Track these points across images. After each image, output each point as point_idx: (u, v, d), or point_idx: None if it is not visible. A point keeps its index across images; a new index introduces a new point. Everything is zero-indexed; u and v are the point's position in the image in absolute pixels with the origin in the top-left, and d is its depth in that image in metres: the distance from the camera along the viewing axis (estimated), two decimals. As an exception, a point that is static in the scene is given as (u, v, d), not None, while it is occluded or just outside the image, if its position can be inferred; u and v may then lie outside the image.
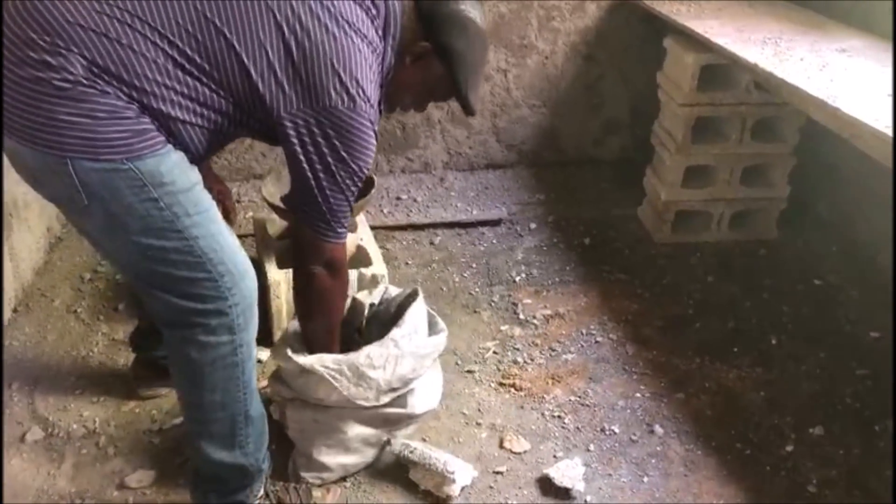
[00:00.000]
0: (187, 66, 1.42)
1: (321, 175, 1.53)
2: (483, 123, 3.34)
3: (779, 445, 2.01)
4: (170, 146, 1.45)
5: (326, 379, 1.71)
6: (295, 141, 1.51)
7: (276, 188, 2.36)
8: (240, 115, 1.52)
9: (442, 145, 3.37)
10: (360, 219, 2.59)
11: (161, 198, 1.43)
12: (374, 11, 1.58)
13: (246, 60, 1.45)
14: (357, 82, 1.51)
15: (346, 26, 1.51)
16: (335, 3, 1.50)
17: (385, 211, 3.08)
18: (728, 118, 2.72)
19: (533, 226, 3.02)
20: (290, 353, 1.74)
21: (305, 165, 1.52)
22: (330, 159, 1.52)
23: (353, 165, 1.55)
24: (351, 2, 1.53)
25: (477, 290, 2.63)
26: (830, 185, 2.98)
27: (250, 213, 2.96)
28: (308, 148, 1.51)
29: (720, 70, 2.63)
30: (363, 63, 1.52)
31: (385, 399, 1.77)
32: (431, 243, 2.91)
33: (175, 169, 1.45)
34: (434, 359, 1.88)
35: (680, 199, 2.84)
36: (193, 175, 1.51)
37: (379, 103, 1.63)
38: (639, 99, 3.27)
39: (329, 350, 1.76)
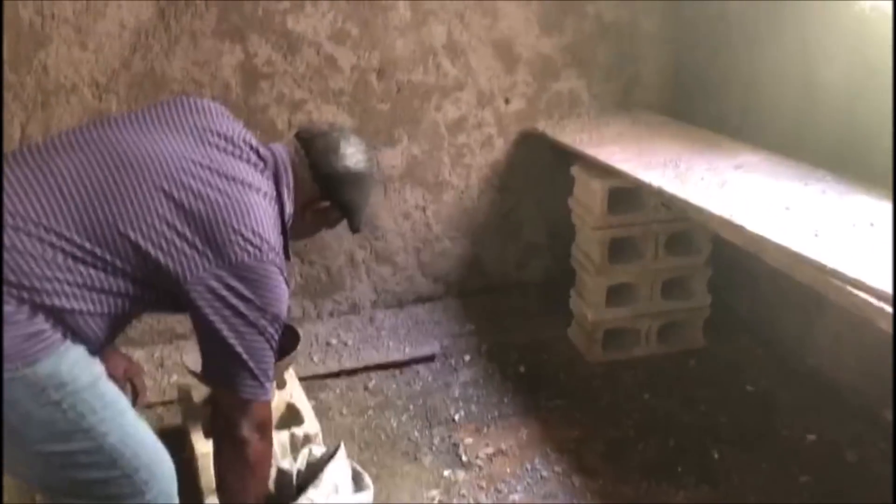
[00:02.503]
0: (78, 253, 1.38)
1: (241, 329, 1.49)
2: (407, 259, 3.37)
3: (736, 568, 1.98)
4: (68, 342, 1.39)
5: None
6: (204, 303, 1.47)
7: (197, 355, 2.29)
8: (142, 292, 1.48)
9: (368, 284, 3.36)
10: (290, 373, 2.53)
11: (63, 399, 1.35)
12: (261, 165, 1.62)
13: (141, 240, 1.43)
14: (258, 234, 1.51)
15: (237, 182, 1.53)
16: (220, 164, 1.53)
17: (315, 359, 3.02)
18: (641, 236, 2.81)
19: (467, 358, 3.00)
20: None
21: (222, 325, 1.48)
22: (245, 311, 1.49)
23: (270, 313, 1.52)
24: (234, 159, 1.56)
25: (416, 434, 2.57)
26: (748, 290, 3.08)
27: (174, 377, 2.86)
28: (218, 305, 1.47)
29: (628, 191, 2.73)
30: (261, 213, 1.54)
31: None
32: (366, 388, 2.85)
33: (76, 367, 1.38)
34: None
35: (606, 319, 2.88)
36: (96, 368, 1.45)
37: (285, 249, 1.63)
38: (555, 222, 3.36)
39: None
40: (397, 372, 2.95)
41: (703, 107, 3.20)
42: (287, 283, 1.59)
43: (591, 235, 2.83)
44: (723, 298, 3.02)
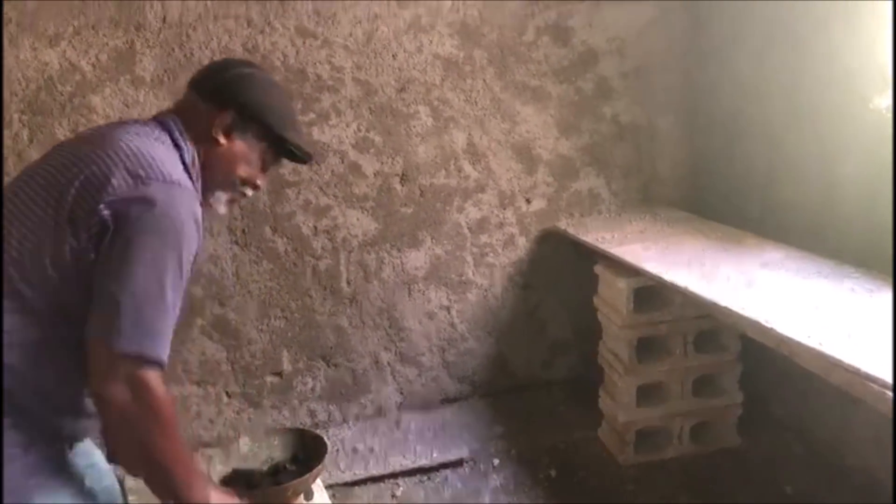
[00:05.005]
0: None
1: (136, 269, 1.36)
2: (432, 359, 3.35)
3: None
4: (59, 480, 1.40)
5: None
6: (109, 245, 1.38)
7: (224, 466, 2.27)
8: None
9: (394, 386, 3.34)
10: (318, 484, 2.49)
11: None
12: (152, 123, 1.58)
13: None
14: (146, 164, 1.44)
15: (117, 133, 1.50)
16: (105, 134, 1.51)
17: (342, 466, 2.97)
18: (669, 334, 2.79)
19: (496, 462, 2.94)
20: None
21: (118, 264, 1.37)
22: (150, 247, 1.38)
23: (175, 247, 1.41)
24: (117, 129, 1.53)
25: (447, 545, 2.50)
26: (781, 386, 3.02)
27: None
28: (122, 245, 1.37)
29: (653, 288, 2.72)
30: (148, 149, 1.47)
31: None
32: (394, 496, 2.80)
33: None
34: None
35: (637, 419, 2.83)
36: None
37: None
38: (580, 319, 3.35)
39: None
40: (425, 478, 2.90)
41: (723, 202, 3.23)
42: (198, 223, 1.47)
43: (618, 334, 2.81)
44: (755, 395, 2.96)
